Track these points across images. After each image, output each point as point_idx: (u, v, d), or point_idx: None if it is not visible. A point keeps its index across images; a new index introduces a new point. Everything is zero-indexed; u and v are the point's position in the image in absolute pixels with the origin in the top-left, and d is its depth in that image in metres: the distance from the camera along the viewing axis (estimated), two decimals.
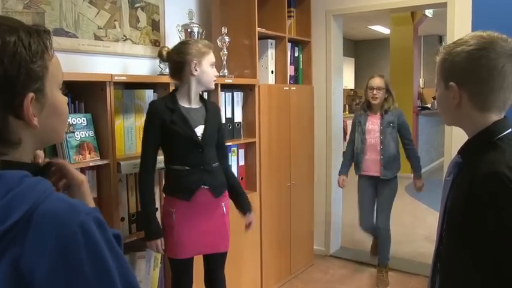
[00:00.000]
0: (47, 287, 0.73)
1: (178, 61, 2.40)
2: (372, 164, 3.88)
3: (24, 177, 0.78)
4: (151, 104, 2.42)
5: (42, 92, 0.84)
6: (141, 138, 2.46)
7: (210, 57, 2.45)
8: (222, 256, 2.64)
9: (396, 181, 3.95)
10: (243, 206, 2.71)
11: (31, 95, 0.81)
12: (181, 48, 2.42)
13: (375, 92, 3.82)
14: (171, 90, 2.59)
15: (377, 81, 3.86)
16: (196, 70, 2.39)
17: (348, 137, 4.13)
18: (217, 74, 2.55)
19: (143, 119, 2.52)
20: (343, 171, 4.10)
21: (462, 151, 1.34)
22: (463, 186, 1.23)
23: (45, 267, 0.72)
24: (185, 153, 2.41)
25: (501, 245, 1.13)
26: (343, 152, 4.21)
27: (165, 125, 2.36)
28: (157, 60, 3.00)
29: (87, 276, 0.74)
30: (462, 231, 1.24)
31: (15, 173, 0.78)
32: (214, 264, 2.64)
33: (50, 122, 0.87)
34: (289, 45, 3.97)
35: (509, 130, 1.27)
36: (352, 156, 4.02)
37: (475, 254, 1.20)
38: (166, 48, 2.50)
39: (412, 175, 4.05)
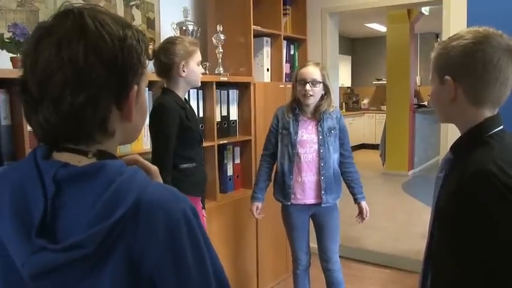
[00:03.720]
0: (156, 273, 0.76)
1: (165, 62, 2.38)
2: (307, 189, 2.82)
3: (123, 166, 0.81)
4: (167, 104, 2.33)
5: (139, 88, 0.87)
6: (157, 141, 2.36)
7: (197, 56, 2.44)
8: None
9: (337, 205, 2.97)
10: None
11: (136, 87, 0.85)
12: (168, 49, 2.38)
13: (308, 87, 2.72)
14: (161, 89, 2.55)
15: (312, 72, 2.74)
16: (184, 71, 2.38)
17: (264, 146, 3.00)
18: (203, 71, 2.55)
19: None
20: (259, 196, 2.96)
21: (453, 148, 1.34)
22: (453, 183, 1.23)
23: (155, 254, 0.75)
24: (192, 150, 2.45)
25: (488, 242, 1.14)
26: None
27: (182, 123, 2.36)
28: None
29: (189, 263, 0.77)
30: (452, 228, 1.24)
31: (115, 163, 0.80)
32: None
33: (137, 119, 0.89)
34: (284, 43, 3.97)
35: (501, 127, 1.27)
36: (270, 176, 2.98)
37: (465, 251, 1.21)
38: (151, 47, 2.47)
39: (354, 200, 2.97)
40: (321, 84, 2.74)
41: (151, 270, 0.76)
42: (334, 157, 2.83)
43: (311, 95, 2.72)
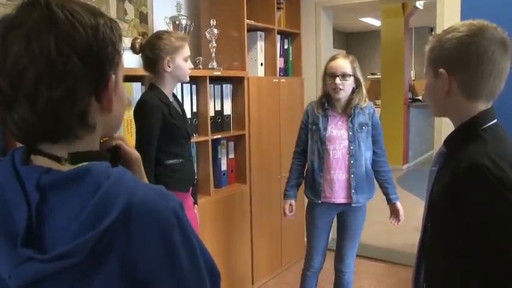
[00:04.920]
0: (151, 277, 0.74)
1: (151, 57, 2.35)
2: (337, 187, 2.71)
3: (108, 168, 0.78)
4: (149, 100, 2.31)
5: (117, 77, 0.84)
6: (140, 136, 2.34)
7: (184, 52, 2.40)
8: None
9: (366, 207, 2.84)
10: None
11: (113, 76, 0.82)
12: (154, 44, 2.35)
13: (338, 80, 2.62)
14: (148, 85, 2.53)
15: (342, 65, 2.64)
16: (169, 67, 2.35)
17: (296, 143, 2.93)
18: (192, 66, 2.52)
19: (131, 112, 2.48)
20: (291, 194, 2.89)
21: (447, 142, 1.33)
22: (446, 177, 1.23)
23: (150, 257, 0.73)
24: (179, 146, 2.43)
25: (481, 236, 1.14)
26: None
27: (165, 120, 2.34)
28: None
29: (183, 261, 0.76)
30: (444, 221, 1.24)
31: (100, 166, 0.77)
32: None
33: (117, 109, 0.85)
34: (278, 37, 3.95)
35: (495, 121, 1.26)
36: (302, 173, 2.90)
37: (457, 244, 1.21)
38: (139, 40, 2.42)
39: (388, 201, 2.87)
40: (352, 77, 2.63)
41: (145, 274, 0.73)
42: (367, 155, 2.71)
43: (341, 89, 2.61)
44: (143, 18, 3.20)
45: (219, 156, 3.40)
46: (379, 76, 8.82)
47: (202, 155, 3.17)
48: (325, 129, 2.69)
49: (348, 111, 2.68)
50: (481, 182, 1.12)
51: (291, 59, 4.24)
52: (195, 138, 3.03)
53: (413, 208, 5.83)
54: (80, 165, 0.77)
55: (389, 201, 2.83)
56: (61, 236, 0.72)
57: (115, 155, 0.93)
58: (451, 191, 1.19)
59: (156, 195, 0.78)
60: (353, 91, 2.68)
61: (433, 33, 9.42)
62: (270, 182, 3.81)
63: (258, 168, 3.64)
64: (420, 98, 9.76)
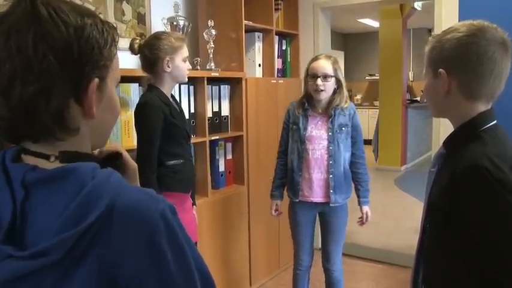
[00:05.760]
0: (136, 281, 0.72)
1: (150, 57, 2.35)
2: (315, 186, 2.74)
3: (95, 169, 0.77)
4: (150, 101, 2.31)
5: (104, 81, 0.82)
6: (142, 138, 2.34)
7: (183, 52, 2.41)
8: None
9: (347, 205, 2.87)
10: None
11: (96, 80, 0.79)
12: (154, 44, 2.35)
13: (319, 81, 2.63)
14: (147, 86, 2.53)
15: (323, 65, 2.66)
16: (168, 67, 2.35)
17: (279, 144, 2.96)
18: (190, 67, 2.52)
19: (129, 113, 2.49)
20: (277, 194, 2.95)
21: (446, 143, 1.33)
22: (446, 178, 1.22)
23: (133, 260, 0.72)
24: (179, 146, 2.43)
25: (480, 237, 1.13)
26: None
27: (166, 120, 2.33)
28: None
29: (170, 266, 0.74)
30: (443, 222, 1.24)
31: (87, 166, 0.76)
32: None
33: (104, 116, 0.84)
34: (276, 38, 3.95)
35: (494, 122, 1.26)
36: (285, 172, 2.92)
37: (456, 245, 1.20)
38: (137, 41, 2.43)
39: (358, 202, 2.90)
40: (333, 78, 2.66)
41: (130, 277, 0.72)
42: (346, 156, 2.74)
43: (322, 90, 2.64)
44: (141, 19, 3.20)
45: (217, 157, 3.39)
46: (377, 77, 8.82)
47: (200, 156, 3.16)
48: (305, 129, 2.73)
49: (329, 111, 2.71)
50: (480, 183, 1.11)
51: (289, 60, 4.24)
52: (192, 139, 3.02)
53: (411, 209, 5.85)
54: (65, 164, 0.76)
55: (359, 203, 2.88)
56: (42, 234, 0.71)
57: (116, 161, 0.92)
58: (450, 192, 1.19)
59: (144, 198, 0.76)
60: (334, 92, 2.70)
61: (432, 33, 9.43)
62: (268, 183, 3.77)
63: (256, 169, 3.64)
64: (418, 99, 9.79)
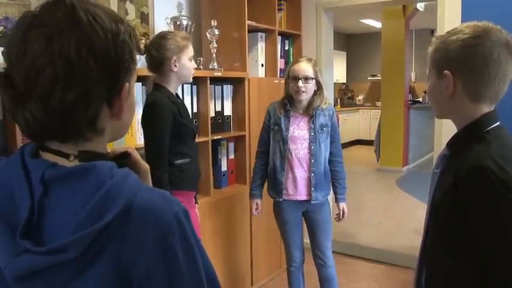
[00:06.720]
0: (148, 280, 0.73)
1: (157, 57, 2.36)
2: (299, 185, 2.82)
3: (113, 168, 0.77)
4: (160, 100, 2.30)
5: (130, 85, 0.83)
6: (152, 138, 2.34)
7: (189, 51, 2.42)
8: None
9: (328, 201, 2.96)
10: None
11: (128, 84, 0.81)
12: (161, 44, 2.36)
13: (300, 83, 2.72)
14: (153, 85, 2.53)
15: (304, 68, 2.74)
16: (175, 66, 2.36)
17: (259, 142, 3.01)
18: (196, 66, 2.54)
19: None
20: (257, 193, 3.00)
21: (450, 144, 1.33)
22: (449, 179, 1.22)
23: (146, 260, 0.72)
24: (186, 145, 2.44)
25: (484, 239, 1.13)
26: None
27: (175, 119, 2.34)
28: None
29: (181, 268, 0.75)
30: (447, 223, 1.24)
31: (105, 164, 0.77)
32: None
33: (125, 117, 0.85)
34: (279, 38, 3.96)
35: (498, 123, 1.26)
36: (266, 173, 2.97)
37: (459, 246, 1.20)
38: (143, 41, 2.44)
39: (335, 199, 2.98)
40: (313, 80, 2.75)
41: (141, 277, 0.73)
42: (326, 154, 2.84)
43: (303, 91, 2.73)
44: (144, 18, 3.20)
45: (219, 156, 3.40)
46: (380, 78, 8.81)
47: (202, 156, 3.16)
48: (287, 129, 2.80)
49: (310, 112, 2.80)
50: (484, 184, 1.11)
51: (291, 60, 4.23)
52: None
53: (412, 210, 5.85)
54: (84, 162, 0.77)
55: (336, 200, 2.98)
56: (60, 230, 0.72)
57: (123, 160, 0.93)
58: (454, 193, 1.19)
59: (160, 199, 0.77)
60: (314, 93, 2.79)
61: (434, 34, 9.42)
62: None
63: None
64: (420, 100, 9.77)
